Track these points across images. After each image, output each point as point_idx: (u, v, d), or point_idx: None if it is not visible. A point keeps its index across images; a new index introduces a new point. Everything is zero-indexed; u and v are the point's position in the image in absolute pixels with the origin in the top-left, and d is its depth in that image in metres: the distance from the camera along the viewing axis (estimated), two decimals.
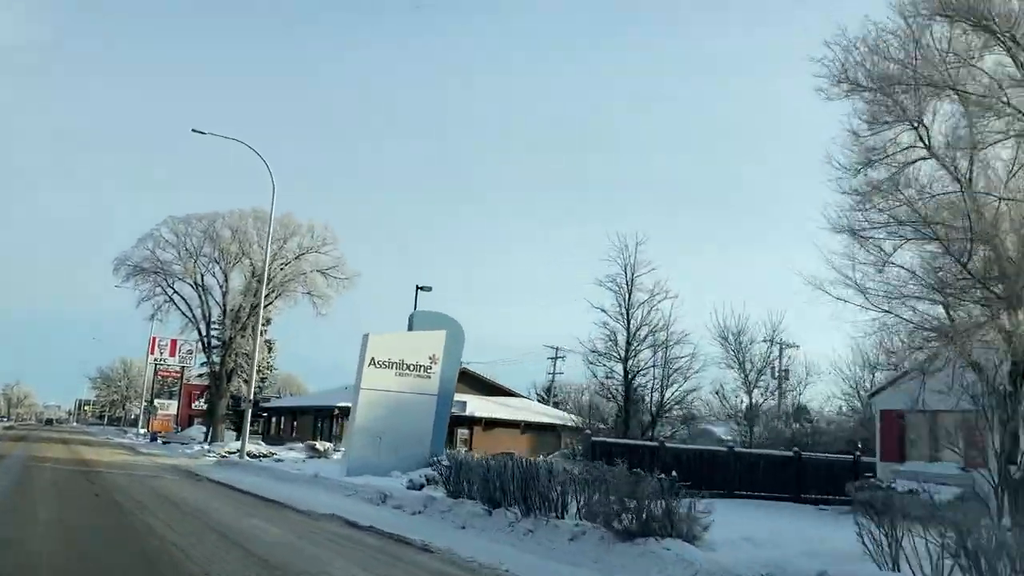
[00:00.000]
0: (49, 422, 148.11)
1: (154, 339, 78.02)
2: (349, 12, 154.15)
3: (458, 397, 53.08)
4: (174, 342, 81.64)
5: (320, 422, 51.34)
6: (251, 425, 67.26)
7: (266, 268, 35.14)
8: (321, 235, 47.51)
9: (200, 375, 63.66)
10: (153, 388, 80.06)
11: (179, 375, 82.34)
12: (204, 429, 76.95)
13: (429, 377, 27.72)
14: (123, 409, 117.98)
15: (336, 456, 36.08)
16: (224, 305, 47.83)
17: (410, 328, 28.53)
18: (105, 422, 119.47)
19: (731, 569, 8.83)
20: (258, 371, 53.18)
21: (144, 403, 75.54)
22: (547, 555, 11.01)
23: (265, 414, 60.05)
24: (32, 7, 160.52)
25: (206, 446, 44.09)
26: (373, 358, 26.88)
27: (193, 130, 31.70)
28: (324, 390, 59.92)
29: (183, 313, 48.26)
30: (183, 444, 51.91)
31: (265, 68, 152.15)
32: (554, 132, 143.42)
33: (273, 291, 47.33)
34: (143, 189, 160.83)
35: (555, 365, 76.62)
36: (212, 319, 47.86)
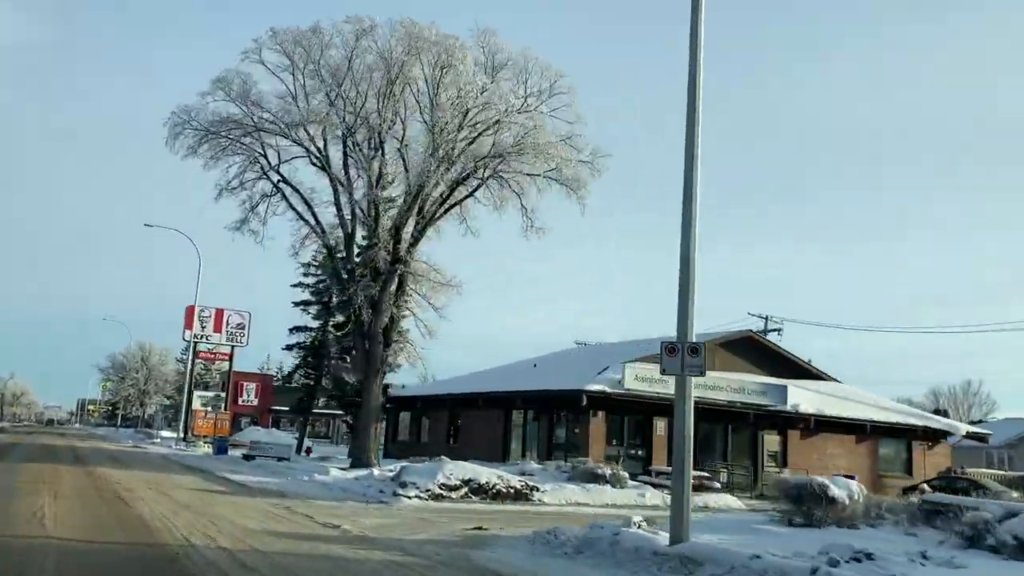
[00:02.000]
0: (50, 423, 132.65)
1: (191, 308, 56.09)
2: None
3: (768, 380, 30.93)
4: (220, 312, 59.88)
5: (535, 421, 29.11)
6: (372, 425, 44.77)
7: None
8: (548, 78, 25.17)
9: (300, 345, 41.16)
10: (192, 377, 57.62)
11: (228, 358, 60.17)
12: (289, 434, 54.98)
13: None
14: (140, 407, 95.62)
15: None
16: (375, 206, 25.52)
17: None
18: (118, 423, 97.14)
19: None
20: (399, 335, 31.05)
21: (204, 394, 53.11)
22: None
23: (390, 404, 37.66)
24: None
25: (364, 473, 21.89)
26: None
27: None
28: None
29: (299, 216, 25.98)
30: (280, 459, 29.70)
31: None
32: None
33: (464, 175, 25.14)
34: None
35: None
36: (354, 230, 25.51)
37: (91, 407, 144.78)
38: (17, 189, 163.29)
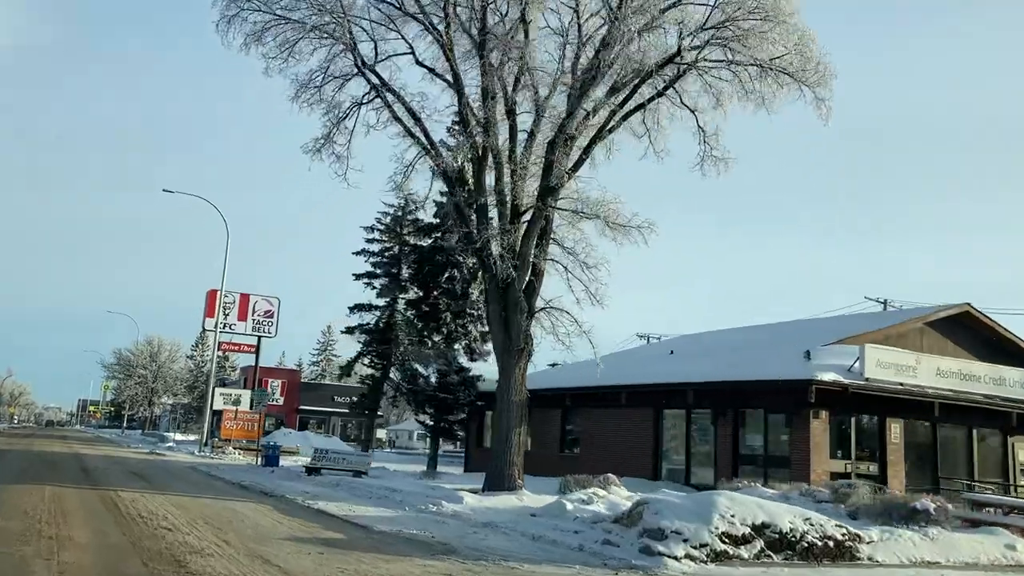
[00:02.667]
0: (50, 424, 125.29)
1: (214, 292, 48.52)
2: None
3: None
4: (245, 298, 52.35)
5: (712, 424, 21.28)
6: (442, 427, 35.65)
7: None
8: None
9: (363, 328, 33.24)
10: (215, 372, 49.76)
11: (253, 350, 52.44)
12: (322, 436, 47.59)
13: None
14: (149, 406, 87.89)
15: None
16: (512, 115, 17.75)
17: None
18: (124, 425, 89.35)
19: None
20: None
21: (227, 392, 45.58)
22: None
23: (479, 402, 29.53)
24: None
25: (538, 504, 14.18)
26: None
27: None
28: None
29: (406, 131, 18.06)
30: (356, 474, 22.00)
31: None
32: None
33: (654, 66, 17.24)
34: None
35: None
36: (485, 151, 17.65)
37: (92, 408, 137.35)
38: (17, 186, 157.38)
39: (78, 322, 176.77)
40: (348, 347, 36.71)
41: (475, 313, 28.83)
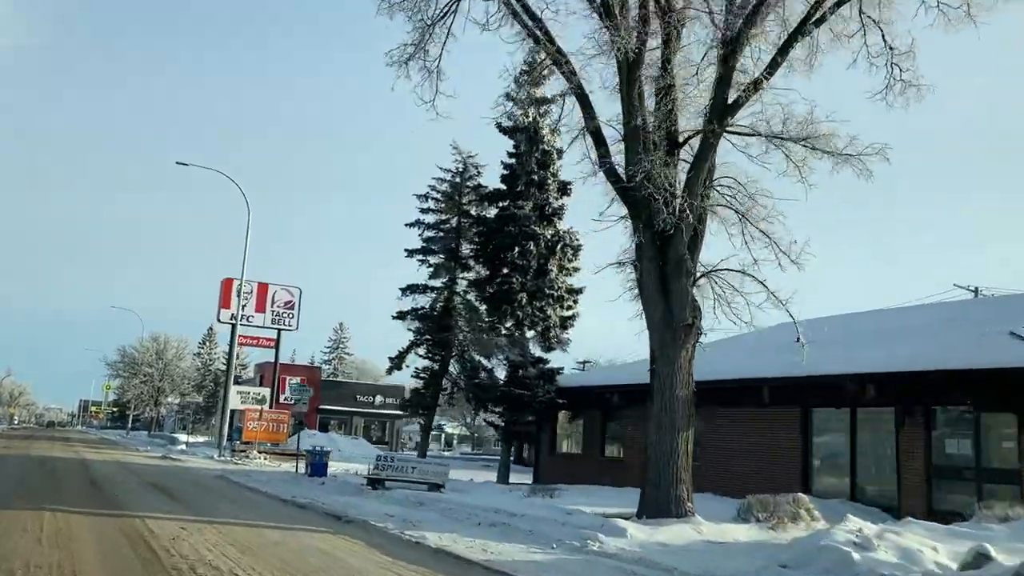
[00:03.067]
0: (51, 425, 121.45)
1: (230, 281, 44.37)
2: None
3: None
4: (263, 288, 48.31)
5: (896, 427, 16.55)
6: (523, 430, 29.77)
7: None
8: None
9: (417, 312, 27.85)
10: (232, 369, 45.05)
11: (272, 344, 47.95)
12: (347, 438, 43.20)
13: None
14: (155, 406, 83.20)
15: None
16: (667, 9, 13.12)
17: None
18: (129, 425, 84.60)
19: None
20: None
21: (244, 389, 41.24)
22: None
23: (561, 399, 24.55)
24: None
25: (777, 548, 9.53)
26: None
27: None
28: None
29: (525, 29, 13.37)
30: (432, 488, 17.46)
31: None
32: None
33: None
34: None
35: None
36: (638, 55, 13.03)
37: (94, 408, 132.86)
38: (17, 186, 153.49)
39: (79, 322, 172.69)
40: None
41: (554, 294, 24.28)
